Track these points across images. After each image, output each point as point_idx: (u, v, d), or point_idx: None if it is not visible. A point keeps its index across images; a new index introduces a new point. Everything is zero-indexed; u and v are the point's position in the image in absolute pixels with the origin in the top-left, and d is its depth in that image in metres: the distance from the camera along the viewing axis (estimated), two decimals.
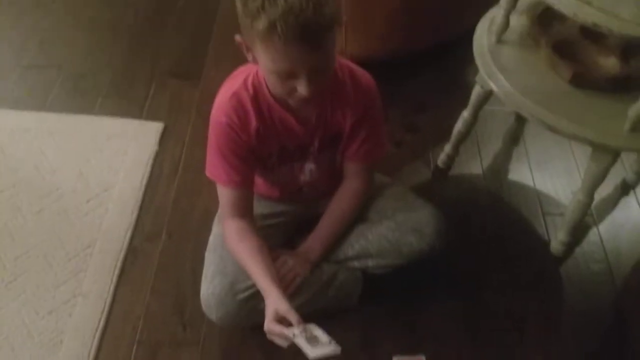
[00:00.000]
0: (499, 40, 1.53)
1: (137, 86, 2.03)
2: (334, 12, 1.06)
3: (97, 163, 1.77)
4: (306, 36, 1.03)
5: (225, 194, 1.31)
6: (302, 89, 1.11)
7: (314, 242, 1.40)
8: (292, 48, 1.04)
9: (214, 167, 1.29)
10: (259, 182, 1.41)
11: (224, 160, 1.27)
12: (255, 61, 1.15)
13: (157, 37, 2.24)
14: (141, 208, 1.66)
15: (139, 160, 1.78)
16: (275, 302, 1.18)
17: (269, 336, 1.19)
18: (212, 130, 1.27)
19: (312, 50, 1.06)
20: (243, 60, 1.19)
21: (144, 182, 1.72)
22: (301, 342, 1.12)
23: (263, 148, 1.28)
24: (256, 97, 1.23)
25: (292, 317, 1.15)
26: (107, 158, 1.78)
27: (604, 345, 1.49)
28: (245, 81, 1.23)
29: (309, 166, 1.37)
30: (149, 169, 1.76)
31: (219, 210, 1.38)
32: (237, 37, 1.13)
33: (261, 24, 1.02)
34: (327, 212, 1.42)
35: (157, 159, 1.80)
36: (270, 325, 1.16)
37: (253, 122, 1.23)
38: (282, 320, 1.16)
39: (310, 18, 1.01)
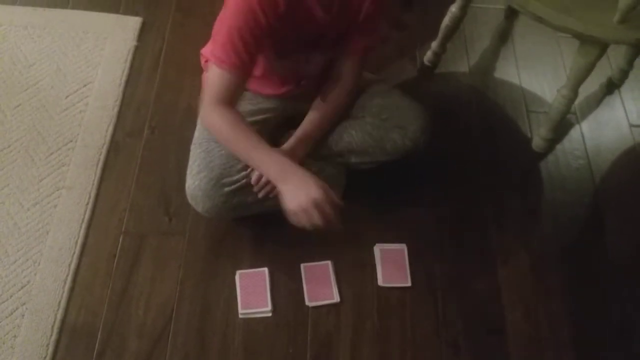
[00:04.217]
0: None
1: None
2: None
3: (74, 58, 1.71)
4: None
5: (223, 78, 1.23)
6: None
7: (302, 137, 1.38)
8: None
9: (222, 47, 1.21)
10: (259, 73, 1.37)
11: (238, 41, 1.19)
12: None
13: None
14: (122, 104, 1.63)
15: (118, 56, 1.72)
16: (316, 177, 1.21)
17: (297, 217, 1.20)
18: (234, 8, 1.18)
19: None
20: None
21: (124, 77, 1.68)
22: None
23: (281, 32, 1.23)
24: None
25: (334, 194, 1.21)
26: (85, 53, 1.72)
27: (581, 238, 1.54)
28: None
29: (317, 57, 1.34)
30: (128, 64, 1.71)
31: (205, 97, 1.29)
32: None
33: None
34: (316, 107, 1.39)
35: (137, 55, 1.74)
36: (323, 199, 1.18)
37: (281, 4, 1.17)
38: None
39: None
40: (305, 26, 1.25)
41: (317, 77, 1.41)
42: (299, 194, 1.19)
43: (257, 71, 1.36)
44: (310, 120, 1.39)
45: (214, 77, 1.25)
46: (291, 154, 1.35)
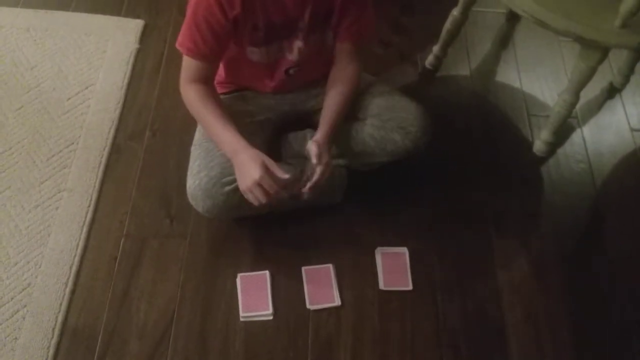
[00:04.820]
0: None
1: None
2: None
3: (76, 60, 1.72)
4: None
5: (189, 61, 1.29)
6: None
7: (329, 122, 1.34)
8: None
9: (184, 35, 1.26)
10: (246, 68, 1.37)
11: (196, 32, 1.23)
12: None
13: None
14: (124, 106, 1.64)
15: (120, 58, 1.73)
16: (259, 156, 1.21)
17: (247, 195, 1.22)
18: (194, 2, 1.21)
19: None
20: None
21: (126, 80, 1.68)
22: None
23: (249, 20, 1.24)
24: None
25: (278, 170, 1.20)
26: (87, 55, 1.73)
27: (582, 240, 1.54)
28: None
29: (298, 44, 1.32)
30: (130, 67, 1.71)
31: (181, 74, 1.33)
32: None
33: None
34: (328, 101, 1.37)
35: (139, 57, 1.75)
36: (263, 177, 1.18)
37: (237, 3, 1.19)
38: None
39: None
40: (275, 12, 1.25)
41: (308, 66, 1.39)
42: (243, 175, 1.22)
43: (245, 67, 1.37)
44: (327, 113, 1.37)
45: (184, 59, 1.30)
46: (326, 141, 1.33)
